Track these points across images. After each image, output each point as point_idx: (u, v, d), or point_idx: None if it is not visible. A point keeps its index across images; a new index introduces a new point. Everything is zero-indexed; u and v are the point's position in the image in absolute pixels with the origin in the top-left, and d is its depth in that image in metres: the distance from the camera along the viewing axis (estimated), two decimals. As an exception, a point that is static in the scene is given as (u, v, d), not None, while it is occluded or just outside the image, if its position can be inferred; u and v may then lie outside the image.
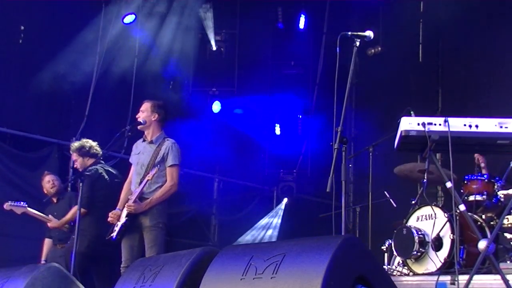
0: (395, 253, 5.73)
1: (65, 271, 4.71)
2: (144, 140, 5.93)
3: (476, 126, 4.04)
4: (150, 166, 5.68)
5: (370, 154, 7.01)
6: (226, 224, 10.62)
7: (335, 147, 4.25)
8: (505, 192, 5.65)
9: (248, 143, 10.59)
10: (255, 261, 3.26)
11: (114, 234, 5.62)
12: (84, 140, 6.86)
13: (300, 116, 11.28)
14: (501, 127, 4.03)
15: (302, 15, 10.90)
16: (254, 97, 10.68)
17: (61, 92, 8.63)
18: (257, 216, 10.62)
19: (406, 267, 5.56)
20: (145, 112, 5.87)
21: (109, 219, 5.75)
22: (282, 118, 11.23)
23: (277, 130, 11.17)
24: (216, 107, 10.36)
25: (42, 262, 6.94)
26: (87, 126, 8.90)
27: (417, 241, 5.35)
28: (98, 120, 9.00)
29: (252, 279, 3.19)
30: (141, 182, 5.66)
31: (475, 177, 5.78)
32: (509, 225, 5.27)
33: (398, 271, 5.73)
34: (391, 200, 7.40)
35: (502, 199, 5.63)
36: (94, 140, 6.82)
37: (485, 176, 5.76)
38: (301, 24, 11.03)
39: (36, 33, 8.58)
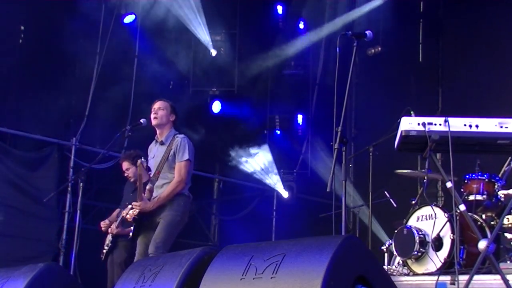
0: (395, 253, 5.73)
1: (65, 271, 4.70)
2: (156, 142, 5.75)
3: (476, 126, 4.04)
4: (160, 166, 5.53)
5: (370, 154, 7.01)
6: (226, 224, 10.60)
7: (335, 147, 4.24)
8: (505, 192, 5.64)
9: (248, 143, 10.57)
10: (255, 261, 3.26)
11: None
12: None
13: (300, 116, 11.28)
14: (501, 127, 4.03)
15: (301, 21, 10.92)
16: (254, 97, 10.67)
17: (61, 92, 8.63)
18: (257, 216, 10.61)
19: (406, 267, 5.55)
20: (164, 111, 5.66)
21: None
22: (282, 118, 11.22)
23: (277, 130, 11.17)
24: (216, 107, 10.36)
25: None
26: (87, 126, 8.89)
27: (417, 241, 5.34)
28: (98, 120, 8.99)
29: (252, 279, 3.19)
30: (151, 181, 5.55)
31: (475, 176, 5.78)
32: (509, 225, 5.26)
33: (398, 271, 5.73)
34: (391, 200, 7.39)
35: (502, 199, 5.62)
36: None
37: (485, 176, 5.76)
38: (301, 25, 11.03)
39: (36, 33, 8.57)
